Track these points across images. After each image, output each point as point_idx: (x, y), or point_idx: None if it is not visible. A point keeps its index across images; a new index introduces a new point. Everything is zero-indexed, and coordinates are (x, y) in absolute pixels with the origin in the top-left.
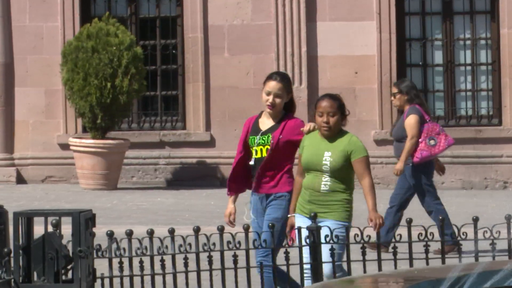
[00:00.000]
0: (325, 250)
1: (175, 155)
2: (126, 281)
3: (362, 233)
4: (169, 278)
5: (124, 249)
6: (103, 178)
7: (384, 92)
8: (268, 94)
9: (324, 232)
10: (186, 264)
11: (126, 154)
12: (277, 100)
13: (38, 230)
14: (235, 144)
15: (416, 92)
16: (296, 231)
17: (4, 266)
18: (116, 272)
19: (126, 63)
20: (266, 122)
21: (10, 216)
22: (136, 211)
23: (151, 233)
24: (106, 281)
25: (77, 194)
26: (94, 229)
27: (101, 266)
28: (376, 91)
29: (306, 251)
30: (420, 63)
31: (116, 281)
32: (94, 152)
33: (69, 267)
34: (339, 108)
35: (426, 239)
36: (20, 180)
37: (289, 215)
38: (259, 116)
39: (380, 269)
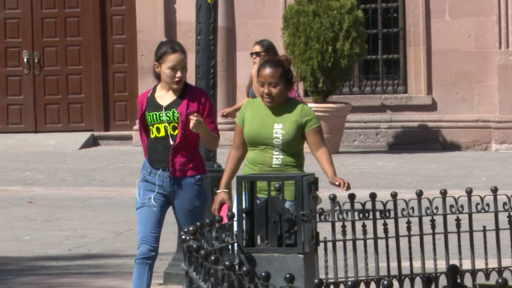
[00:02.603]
0: None
1: (397, 118)
2: (349, 244)
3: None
4: (391, 242)
5: (346, 212)
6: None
7: None
8: (174, 69)
9: None
10: (409, 228)
11: (348, 117)
12: (185, 74)
13: None
14: (457, 108)
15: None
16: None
17: (228, 230)
18: (338, 236)
19: (347, 26)
20: (166, 97)
21: (234, 180)
22: (357, 175)
23: (372, 197)
24: (329, 244)
25: None
26: (317, 193)
27: (323, 229)
28: None
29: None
30: None
31: (339, 244)
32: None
33: (292, 231)
34: (283, 76)
35: None
36: None
37: (218, 191)
38: (154, 90)
39: None
